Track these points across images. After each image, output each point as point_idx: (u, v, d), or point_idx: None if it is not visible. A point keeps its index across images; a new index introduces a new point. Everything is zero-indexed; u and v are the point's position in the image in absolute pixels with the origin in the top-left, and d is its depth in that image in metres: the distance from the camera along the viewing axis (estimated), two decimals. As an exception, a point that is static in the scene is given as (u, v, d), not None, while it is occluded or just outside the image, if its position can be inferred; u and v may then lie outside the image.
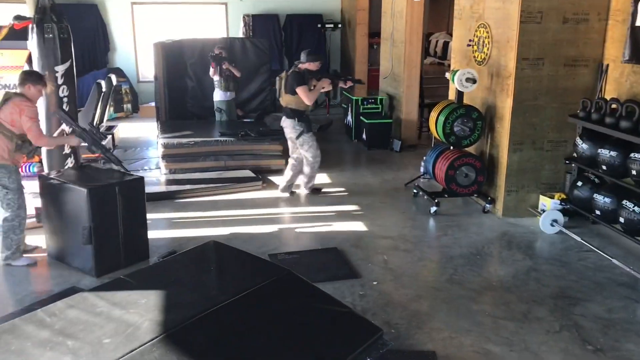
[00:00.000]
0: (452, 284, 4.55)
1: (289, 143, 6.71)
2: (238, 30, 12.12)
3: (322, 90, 6.76)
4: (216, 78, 8.46)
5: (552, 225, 5.53)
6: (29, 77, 4.83)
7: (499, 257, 5.15)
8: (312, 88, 6.35)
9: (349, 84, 6.74)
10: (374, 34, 11.74)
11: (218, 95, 8.60)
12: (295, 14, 12.25)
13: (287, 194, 6.76)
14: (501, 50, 5.83)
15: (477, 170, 6.04)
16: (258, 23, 12.11)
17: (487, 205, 6.08)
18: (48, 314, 2.83)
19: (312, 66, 6.34)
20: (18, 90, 4.81)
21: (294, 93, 6.27)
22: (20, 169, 4.88)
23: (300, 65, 6.39)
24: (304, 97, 6.25)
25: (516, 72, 5.59)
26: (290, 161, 6.75)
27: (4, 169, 4.65)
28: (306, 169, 6.66)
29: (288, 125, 6.51)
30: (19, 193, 4.74)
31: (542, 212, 5.69)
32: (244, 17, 12.04)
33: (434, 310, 4.13)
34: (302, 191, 6.77)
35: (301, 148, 6.55)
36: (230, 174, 7.26)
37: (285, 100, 6.42)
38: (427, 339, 3.74)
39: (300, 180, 6.76)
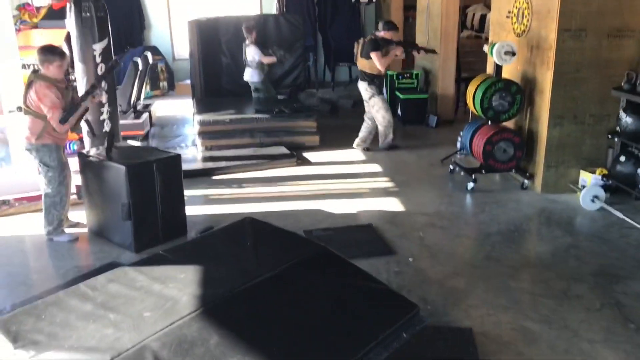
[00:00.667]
0: (490, 260, 4.49)
1: (364, 104, 7.45)
2: (272, 7, 12.05)
3: (396, 57, 7.42)
4: (256, 57, 8.12)
5: (592, 201, 5.39)
6: (44, 56, 4.61)
7: (538, 234, 5.06)
8: (386, 55, 6.98)
9: (422, 53, 7.42)
10: (409, 7, 11.52)
11: (253, 76, 8.33)
12: (329, -12, 12.11)
13: (360, 149, 7.53)
14: (541, 22, 5.65)
15: (516, 145, 5.92)
16: (292, -1, 12.01)
17: (526, 181, 5.97)
18: (90, 288, 2.90)
19: (389, 35, 7.03)
20: (43, 72, 4.65)
21: (369, 57, 6.99)
22: (63, 147, 4.98)
23: (377, 34, 7.10)
24: (377, 61, 6.92)
25: (557, 43, 5.42)
26: (365, 120, 7.54)
27: (45, 148, 4.72)
28: (380, 128, 7.41)
29: (361, 87, 7.32)
30: (59, 170, 4.81)
31: (582, 188, 5.56)
32: (277, -8, 11.95)
33: (471, 287, 4.09)
34: (381, 146, 7.50)
35: (372, 109, 7.31)
36: (265, 151, 7.29)
37: (360, 64, 7.21)
38: (463, 316, 3.71)
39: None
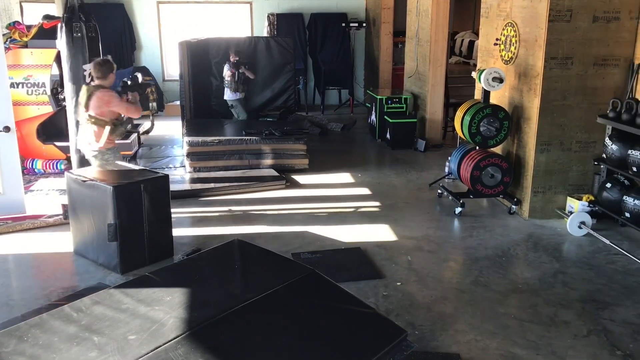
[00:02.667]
0: (477, 286, 4.49)
1: None
2: (262, 29, 12.15)
3: None
4: (227, 78, 8.86)
5: (579, 227, 5.43)
6: (107, 66, 5.20)
7: (525, 260, 5.07)
8: None
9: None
10: (399, 33, 11.67)
11: (228, 95, 9.06)
12: (320, 13, 12.23)
13: None
14: (529, 50, 5.74)
15: (503, 170, 5.96)
16: (282, 22, 12.11)
17: (513, 206, 6.00)
18: (75, 310, 2.86)
19: None
20: (97, 83, 5.19)
21: None
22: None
23: None
24: None
25: (544, 71, 5.51)
26: None
27: (110, 151, 5.31)
28: None
29: None
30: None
31: (569, 214, 5.60)
32: (268, 16, 12.05)
33: (458, 312, 4.08)
34: None
35: None
36: (254, 173, 7.28)
37: None
38: (451, 342, 3.70)
39: None
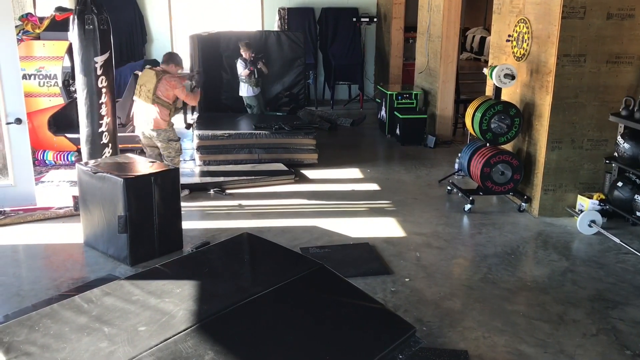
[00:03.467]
0: (486, 283, 4.48)
1: None
2: (273, 23, 12.14)
3: None
4: (244, 77, 8.67)
5: (590, 226, 5.40)
6: (176, 59, 6.26)
7: (535, 257, 5.05)
8: None
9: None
10: (410, 28, 11.62)
11: (246, 91, 8.81)
12: (331, 8, 12.19)
13: None
14: (541, 46, 5.70)
15: (514, 168, 5.94)
16: (293, 16, 12.09)
17: (523, 204, 5.98)
18: (85, 301, 2.88)
19: None
20: (163, 67, 6.17)
21: None
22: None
23: None
24: None
25: (556, 68, 5.47)
26: None
27: (169, 129, 6.19)
28: None
29: None
30: (180, 143, 6.37)
31: (579, 212, 5.57)
32: (279, 10, 12.04)
33: (467, 309, 4.07)
34: None
35: None
36: (264, 167, 7.29)
37: None
38: (459, 338, 3.70)
39: None
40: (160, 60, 11.63)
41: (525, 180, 6.03)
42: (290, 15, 12.08)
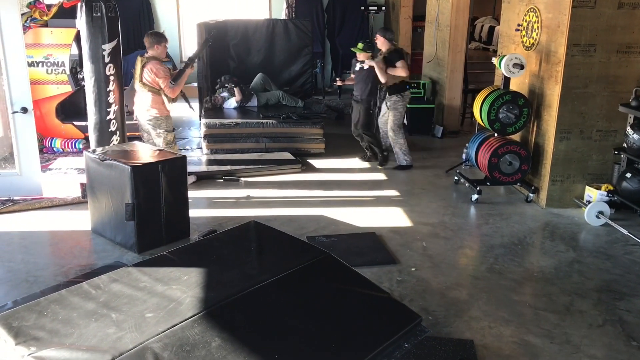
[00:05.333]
0: (492, 273, 4.48)
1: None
2: (281, 12, 12.08)
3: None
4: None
5: (597, 217, 5.38)
6: (155, 38, 5.86)
7: (541, 248, 5.04)
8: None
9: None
10: (418, 17, 11.54)
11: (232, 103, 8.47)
12: (339, -4, 12.14)
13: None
14: (551, 36, 5.65)
15: (522, 158, 5.91)
16: (301, 4, 12.01)
17: (531, 194, 5.95)
18: (93, 287, 2.90)
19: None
20: (148, 54, 5.84)
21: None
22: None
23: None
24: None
25: (566, 58, 5.42)
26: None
27: (163, 118, 5.93)
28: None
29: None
30: (173, 133, 6.12)
31: (587, 203, 5.54)
32: (287, -2, 11.98)
33: (473, 299, 4.07)
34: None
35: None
36: (271, 156, 7.29)
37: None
38: (465, 328, 3.70)
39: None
40: (167, 50, 11.63)
41: (533, 170, 6.00)
42: (298, 4, 11.99)
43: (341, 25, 12.10)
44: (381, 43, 6.89)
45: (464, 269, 4.63)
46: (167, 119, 6.00)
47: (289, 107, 8.43)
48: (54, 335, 2.51)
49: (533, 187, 5.95)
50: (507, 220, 5.53)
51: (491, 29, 14.53)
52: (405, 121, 8.87)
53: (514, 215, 5.66)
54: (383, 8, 12.11)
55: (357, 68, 6.99)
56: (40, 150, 7.21)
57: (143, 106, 5.91)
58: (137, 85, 5.87)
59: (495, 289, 4.23)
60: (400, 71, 6.74)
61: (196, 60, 6.27)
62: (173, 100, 5.91)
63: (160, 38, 5.90)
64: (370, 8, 11.99)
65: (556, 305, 4.00)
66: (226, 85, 8.50)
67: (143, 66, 5.77)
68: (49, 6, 7.37)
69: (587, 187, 5.71)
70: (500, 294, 4.15)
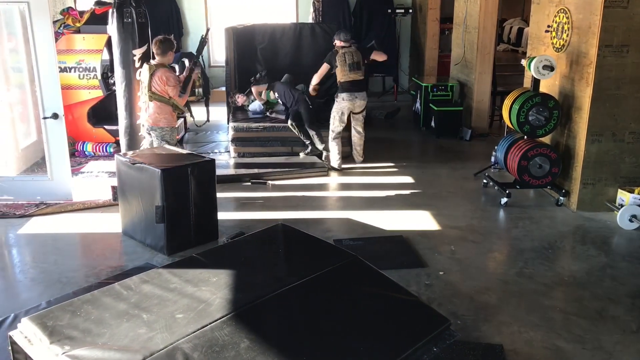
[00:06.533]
0: (522, 277, 4.42)
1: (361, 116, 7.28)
2: (307, 16, 12.13)
3: None
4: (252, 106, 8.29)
5: (630, 221, 5.27)
6: (168, 44, 5.59)
7: (572, 252, 4.96)
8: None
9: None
10: (446, 19, 11.47)
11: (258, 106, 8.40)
12: (366, -1, 12.14)
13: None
14: (582, 37, 5.57)
15: (552, 161, 5.83)
16: (327, 8, 12.04)
17: (561, 197, 5.86)
18: (125, 288, 2.94)
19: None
20: (158, 60, 5.57)
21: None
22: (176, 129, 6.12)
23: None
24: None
25: (597, 59, 5.34)
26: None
27: (167, 129, 5.67)
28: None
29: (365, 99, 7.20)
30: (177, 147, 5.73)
31: (620, 207, 5.43)
32: (313, 2, 12.00)
33: (502, 303, 4.03)
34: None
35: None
36: (297, 159, 7.31)
37: (360, 74, 7.05)
38: (494, 332, 3.66)
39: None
40: (195, 52, 11.74)
41: (563, 173, 5.91)
42: (324, 7, 12.04)
43: (368, 29, 12.08)
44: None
45: (493, 273, 4.58)
46: (172, 131, 5.78)
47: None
48: (87, 334, 2.56)
49: (564, 190, 5.86)
50: (537, 224, 5.46)
51: (520, 31, 14.39)
52: (432, 123, 8.84)
53: (544, 219, 5.58)
54: (410, 11, 12.07)
55: None
56: (73, 154, 7.39)
57: (149, 115, 5.64)
58: (145, 94, 5.59)
59: (525, 293, 4.18)
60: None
61: (198, 64, 6.17)
62: (178, 108, 5.75)
63: (173, 44, 5.70)
64: (397, 11, 11.95)
65: (588, 311, 3.93)
66: (261, 81, 8.43)
67: (152, 74, 5.51)
68: (81, 13, 7.54)
69: (619, 190, 5.60)
70: (531, 299, 4.09)
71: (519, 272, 4.51)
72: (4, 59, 6.80)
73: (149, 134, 5.70)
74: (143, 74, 5.60)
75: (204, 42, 6.16)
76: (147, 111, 5.65)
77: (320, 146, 7.30)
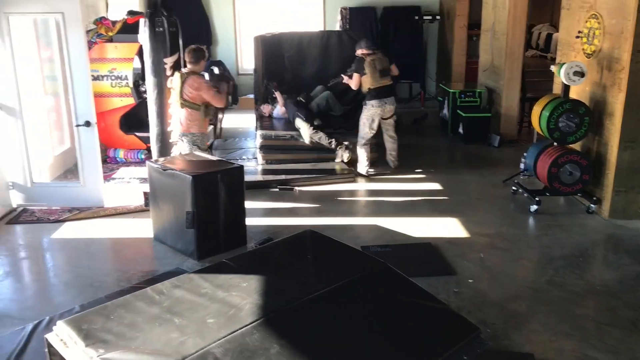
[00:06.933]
0: (553, 285, 4.37)
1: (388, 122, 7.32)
2: (335, 23, 12.18)
3: None
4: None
5: (665, 229, 5.17)
6: (200, 53, 5.78)
7: (604, 261, 4.88)
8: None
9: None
10: (473, 26, 11.41)
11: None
12: (393, 6, 12.12)
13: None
14: (614, 42, 5.49)
15: (583, 168, 5.75)
16: (355, 16, 12.09)
17: (592, 205, 5.77)
18: (157, 292, 2.99)
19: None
20: (189, 68, 5.73)
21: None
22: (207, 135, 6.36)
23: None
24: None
25: (630, 65, 5.25)
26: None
27: (202, 136, 5.86)
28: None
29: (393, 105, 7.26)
30: (208, 153, 5.91)
31: (654, 215, 5.33)
32: (341, 10, 12.06)
33: (532, 312, 3.98)
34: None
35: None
36: (324, 166, 7.33)
37: (390, 79, 7.16)
38: (524, 341, 3.62)
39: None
40: (224, 60, 11.87)
41: (594, 181, 5.82)
42: (351, 15, 12.09)
43: (395, 35, 12.08)
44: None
45: (523, 280, 4.53)
46: (202, 136, 5.91)
47: (333, 115, 8.42)
48: (121, 338, 2.61)
49: (595, 198, 5.77)
50: (568, 232, 5.38)
51: (549, 36, 14.22)
52: (460, 129, 8.78)
53: (574, 227, 5.50)
54: (438, 17, 12.03)
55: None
56: (105, 160, 7.53)
57: (181, 122, 5.77)
58: (177, 101, 5.71)
59: (556, 301, 4.12)
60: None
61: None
62: (208, 114, 5.97)
63: (205, 53, 5.87)
64: (425, 18, 11.93)
65: (621, 320, 3.86)
66: (272, 93, 8.50)
67: (184, 82, 5.64)
68: (114, 22, 7.69)
69: (653, 198, 5.50)
70: (561, 307, 4.04)
71: (549, 280, 4.46)
72: (40, 68, 6.97)
73: (181, 140, 5.81)
74: (175, 81, 5.72)
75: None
76: (178, 118, 5.78)
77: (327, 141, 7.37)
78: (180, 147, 5.85)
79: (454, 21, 11.49)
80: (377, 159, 7.45)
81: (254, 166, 7.51)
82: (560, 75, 5.73)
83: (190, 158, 5.39)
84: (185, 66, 5.79)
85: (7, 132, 5.92)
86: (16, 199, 6.09)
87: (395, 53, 11.76)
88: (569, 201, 6.18)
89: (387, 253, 4.86)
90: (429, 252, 4.96)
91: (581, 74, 5.63)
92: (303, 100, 8.05)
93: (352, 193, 6.60)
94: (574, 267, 4.66)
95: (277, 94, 8.25)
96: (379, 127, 7.19)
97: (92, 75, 7.22)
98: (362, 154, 7.14)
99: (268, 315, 2.73)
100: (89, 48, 7.28)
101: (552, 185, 5.82)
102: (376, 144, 7.42)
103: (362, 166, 7.15)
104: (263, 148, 7.55)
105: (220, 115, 7.46)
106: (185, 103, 5.67)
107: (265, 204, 6.24)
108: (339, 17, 12.07)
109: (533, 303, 4.11)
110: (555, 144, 5.93)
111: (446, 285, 4.33)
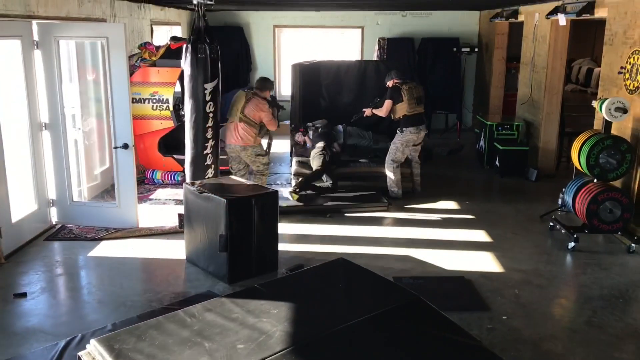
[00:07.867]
0: (591, 326, 4.23)
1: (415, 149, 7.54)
2: (372, 53, 12.27)
3: None
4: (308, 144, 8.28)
5: None
6: (269, 83, 6.84)
7: (646, 303, 4.72)
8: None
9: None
10: (512, 58, 11.36)
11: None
12: (431, 38, 12.17)
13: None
14: (658, 79, 5.39)
15: (623, 206, 5.60)
16: (392, 46, 12.15)
17: (633, 245, 5.61)
18: (188, 315, 3.01)
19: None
20: (256, 92, 6.68)
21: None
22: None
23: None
24: None
25: (675, 102, 5.15)
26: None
27: (257, 145, 6.76)
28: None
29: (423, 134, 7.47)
30: (268, 157, 6.93)
31: (698, 257, 5.15)
32: (379, 40, 12.16)
33: (568, 353, 3.86)
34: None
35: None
36: (358, 194, 7.32)
37: (422, 108, 7.38)
38: (560, 383, 3.51)
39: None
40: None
41: (636, 219, 5.67)
42: (389, 45, 12.15)
43: (433, 66, 12.09)
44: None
45: (559, 320, 4.40)
46: (261, 146, 6.81)
47: (364, 146, 8.43)
48: (151, 359, 2.63)
49: (636, 237, 5.61)
50: (607, 271, 5.23)
51: (589, 71, 14.07)
52: (497, 162, 8.68)
53: (614, 266, 5.34)
54: (476, 49, 12.02)
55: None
56: (142, 181, 7.67)
57: (238, 137, 6.59)
58: (236, 116, 6.54)
59: (593, 343, 3.99)
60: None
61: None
62: (263, 132, 6.75)
63: (272, 85, 6.84)
64: (463, 50, 11.93)
65: (663, 366, 3.71)
66: (311, 130, 8.53)
67: (248, 100, 6.54)
68: (158, 47, 7.90)
69: (698, 239, 5.32)
70: (599, 350, 3.91)
71: (587, 320, 4.32)
72: (86, 90, 7.19)
73: (239, 155, 6.68)
74: (238, 98, 6.63)
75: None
76: (235, 132, 6.58)
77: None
78: (235, 159, 6.75)
79: (492, 54, 11.46)
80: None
81: (287, 192, 7.53)
82: (602, 111, 5.64)
83: (226, 182, 5.45)
84: (223, 93, 6.23)
85: (51, 151, 6.08)
86: (55, 216, 6.24)
87: (433, 84, 11.83)
88: (609, 239, 6.02)
89: (420, 285, 4.80)
90: (462, 286, 4.87)
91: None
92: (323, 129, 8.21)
93: (385, 221, 6.56)
94: (613, 308, 4.52)
95: (306, 139, 8.33)
96: None
97: (135, 98, 7.41)
98: (393, 175, 7.32)
99: (298, 343, 2.72)
100: (133, 72, 7.50)
101: (591, 223, 5.69)
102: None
103: (395, 186, 7.30)
104: (298, 174, 7.58)
105: (269, 140, 7.69)
106: (243, 118, 6.51)
107: (297, 230, 6.24)
108: (377, 47, 12.16)
109: (569, 344, 3.99)
110: (595, 180, 5.81)
111: (479, 321, 4.24)
